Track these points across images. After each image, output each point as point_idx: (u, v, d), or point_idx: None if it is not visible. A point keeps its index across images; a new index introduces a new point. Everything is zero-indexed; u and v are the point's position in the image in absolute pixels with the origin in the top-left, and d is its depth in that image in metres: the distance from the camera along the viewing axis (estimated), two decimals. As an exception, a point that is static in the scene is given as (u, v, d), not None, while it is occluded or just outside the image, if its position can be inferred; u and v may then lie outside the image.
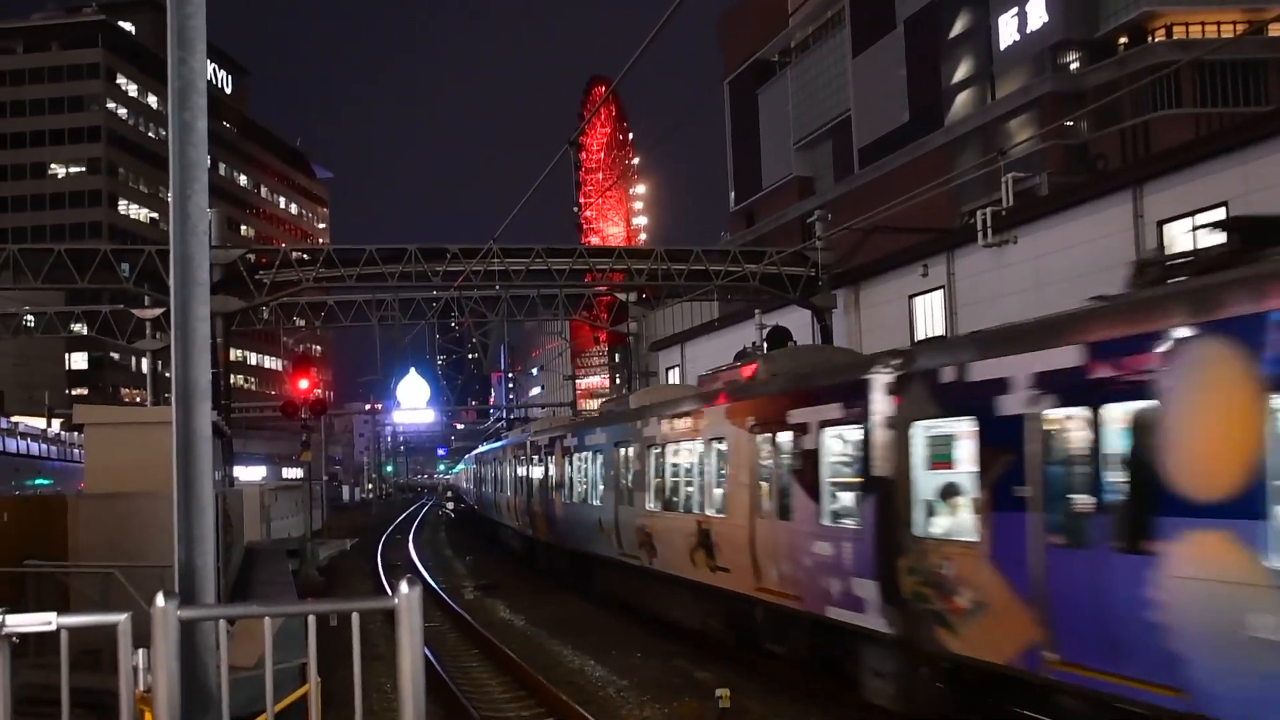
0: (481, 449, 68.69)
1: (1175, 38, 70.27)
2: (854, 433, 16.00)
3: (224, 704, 5.30)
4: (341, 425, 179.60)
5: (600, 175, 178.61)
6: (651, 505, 25.00)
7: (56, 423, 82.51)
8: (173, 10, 6.00)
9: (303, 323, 61.55)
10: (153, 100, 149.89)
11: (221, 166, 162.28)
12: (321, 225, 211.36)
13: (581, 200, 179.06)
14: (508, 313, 57.47)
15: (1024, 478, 11.92)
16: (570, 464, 32.74)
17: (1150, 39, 71.30)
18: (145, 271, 44.27)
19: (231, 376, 53.03)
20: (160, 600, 4.93)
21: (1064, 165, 66.31)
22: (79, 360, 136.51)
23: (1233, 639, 9.31)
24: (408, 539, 63.40)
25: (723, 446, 21.01)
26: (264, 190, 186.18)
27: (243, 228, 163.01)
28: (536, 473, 38.33)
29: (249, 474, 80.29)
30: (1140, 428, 10.48)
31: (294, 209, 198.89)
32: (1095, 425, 10.98)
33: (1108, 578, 10.70)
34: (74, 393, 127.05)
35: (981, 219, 40.70)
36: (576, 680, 20.77)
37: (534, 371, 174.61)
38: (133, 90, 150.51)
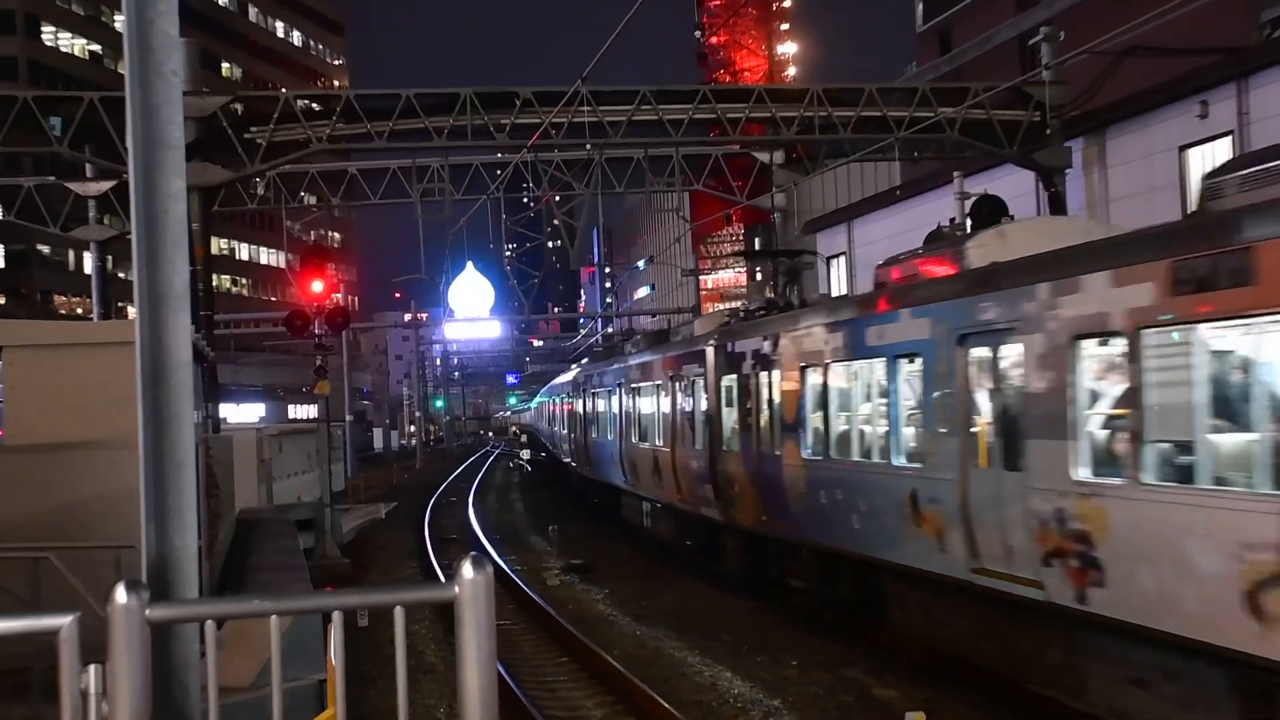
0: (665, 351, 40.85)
1: None
2: None
3: (213, 739, 5.30)
4: (371, 344, 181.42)
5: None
6: None
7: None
8: None
9: (314, 200, 61.81)
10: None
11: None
12: (338, 62, 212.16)
13: (705, 21, 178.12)
14: (602, 183, 57.37)
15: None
16: None
17: None
18: (85, 128, 44.38)
19: (215, 277, 53.48)
20: (122, 594, 4.91)
21: None
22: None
23: None
24: (466, 501, 63.94)
25: None
26: (254, 12, 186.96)
27: (225, 65, 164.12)
28: None
29: (241, 414, 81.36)
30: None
31: (297, 38, 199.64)
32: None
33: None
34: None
35: (1288, 33, 39.97)
36: (707, 699, 20.92)
37: (640, 265, 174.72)
38: None
